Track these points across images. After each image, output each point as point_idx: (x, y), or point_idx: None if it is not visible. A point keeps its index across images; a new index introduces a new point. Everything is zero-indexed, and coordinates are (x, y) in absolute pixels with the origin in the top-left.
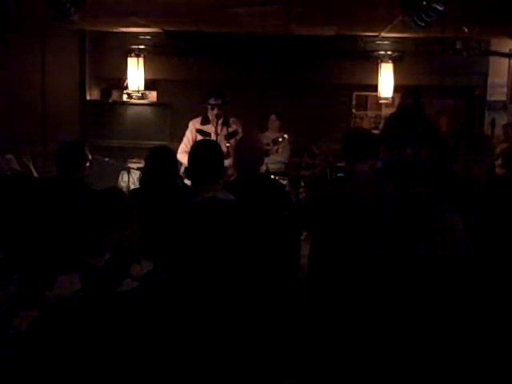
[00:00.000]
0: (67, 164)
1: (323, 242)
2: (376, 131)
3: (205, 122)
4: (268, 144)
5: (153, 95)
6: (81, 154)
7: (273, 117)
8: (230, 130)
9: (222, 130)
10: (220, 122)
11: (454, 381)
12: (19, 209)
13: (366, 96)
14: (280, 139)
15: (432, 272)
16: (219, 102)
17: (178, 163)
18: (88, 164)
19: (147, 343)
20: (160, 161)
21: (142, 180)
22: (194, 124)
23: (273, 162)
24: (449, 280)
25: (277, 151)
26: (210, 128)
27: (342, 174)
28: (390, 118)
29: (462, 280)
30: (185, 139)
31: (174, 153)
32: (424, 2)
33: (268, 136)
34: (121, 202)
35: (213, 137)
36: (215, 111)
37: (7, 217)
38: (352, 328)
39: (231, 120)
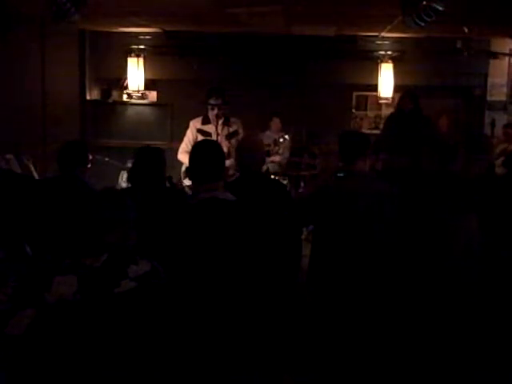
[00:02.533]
0: (69, 164)
1: (324, 241)
2: (376, 131)
3: (205, 121)
4: (269, 145)
5: (153, 95)
6: (83, 154)
7: (276, 119)
8: (231, 129)
9: (222, 129)
10: (220, 121)
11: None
12: (17, 209)
13: (366, 96)
14: (281, 140)
15: (441, 272)
16: (219, 102)
17: (165, 164)
18: (89, 164)
19: (145, 343)
20: (146, 161)
21: (129, 178)
22: (195, 124)
23: (270, 162)
24: (457, 279)
25: (277, 152)
26: (210, 128)
27: (342, 174)
28: (390, 119)
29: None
30: (185, 139)
31: (161, 152)
32: (424, 2)
33: (269, 136)
34: (118, 202)
35: (213, 137)
36: (215, 111)
37: (5, 216)
38: (353, 328)
39: (232, 120)
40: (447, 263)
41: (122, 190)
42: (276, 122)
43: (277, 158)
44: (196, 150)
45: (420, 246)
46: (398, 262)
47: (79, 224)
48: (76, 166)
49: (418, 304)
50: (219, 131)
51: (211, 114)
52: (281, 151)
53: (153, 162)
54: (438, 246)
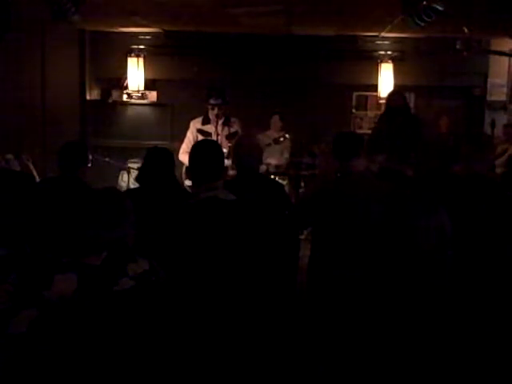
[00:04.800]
0: (69, 164)
1: (324, 242)
2: None
3: (205, 122)
4: (269, 144)
5: (153, 95)
6: (83, 154)
7: (276, 117)
8: (232, 130)
9: (223, 130)
10: (221, 122)
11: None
12: (19, 207)
13: (366, 96)
14: (281, 139)
15: (419, 274)
16: (219, 101)
17: (175, 164)
18: (90, 164)
19: (144, 342)
20: (156, 161)
21: (137, 178)
22: (195, 124)
23: (267, 163)
24: (438, 281)
25: (278, 150)
26: (210, 128)
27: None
28: (381, 119)
29: (450, 282)
30: (186, 140)
31: (172, 154)
32: (424, 2)
33: (269, 135)
34: (117, 201)
35: (213, 137)
36: (215, 111)
37: (6, 215)
38: (352, 328)
39: (232, 120)
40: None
41: (129, 190)
42: (276, 120)
43: (274, 161)
44: (195, 150)
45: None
46: (396, 262)
47: (79, 222)
48: (76, 166)
49: (414, 303)
50: (219, 131)
51: (211, 114)
52: (281, 149)
53: (162, 163)
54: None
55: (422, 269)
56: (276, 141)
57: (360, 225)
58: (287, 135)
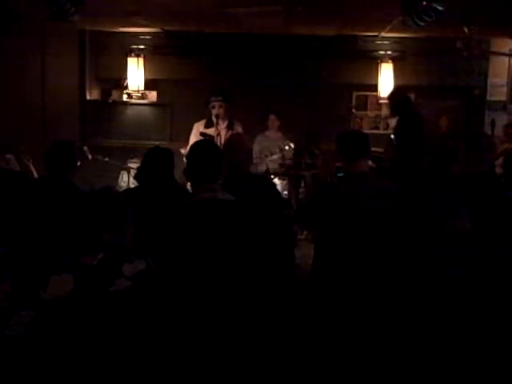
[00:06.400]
0: (56, 164)
1: (327, 243)
2: (376, 131)
3: (208, 125)
4: (275, 152)
5: (153, 95)
6: (70, 154)
7: (272, 116)
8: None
9: (226, 133)
10: (224, 125)
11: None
12: (14, 208)
13: (366, 96)
14: (286, 147)
15: (439, 272)
16: (219, 98)
17: (173, 165)
18: (79, 163)
19: (141, 342)
20: (156, 160)
21: (136, 177)
22: (198, 127)
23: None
24: (456, 280)
25: (282, 156)
26: (213, 131)
27: (342, 174)
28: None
29: (470, 280)
30: (190, 142)
31: (172, 154)
32: (424, 2)
33: (268, 136)
34: (114, 201)
35: (216, 140)
36: (216, 110)
37: (2, 215)
38: (355, 329)
39: (236, 124)
40: (440, 262)
41: (127, 189)
42: (273, 119)
43: (274, 166)
44: (193, 151)
45: (414, 245)
46: (400, 264)
47: (76, 223)
48: (64, 166)
49: (419, 306)
50: (222, 134)
51: (213, 115)
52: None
53: (161, 162)
54: (432, 244)
55: (441, 265)
56: (281, 149)
57: (365, 226)
58: (292, 145)
